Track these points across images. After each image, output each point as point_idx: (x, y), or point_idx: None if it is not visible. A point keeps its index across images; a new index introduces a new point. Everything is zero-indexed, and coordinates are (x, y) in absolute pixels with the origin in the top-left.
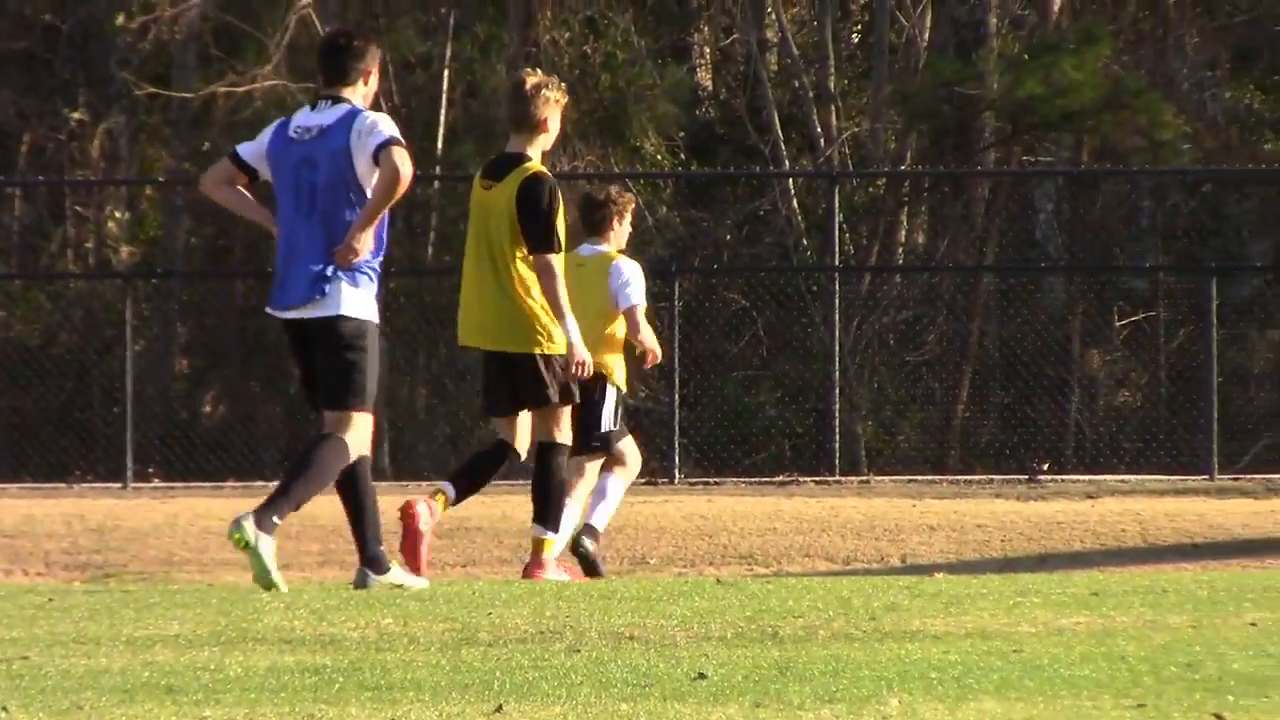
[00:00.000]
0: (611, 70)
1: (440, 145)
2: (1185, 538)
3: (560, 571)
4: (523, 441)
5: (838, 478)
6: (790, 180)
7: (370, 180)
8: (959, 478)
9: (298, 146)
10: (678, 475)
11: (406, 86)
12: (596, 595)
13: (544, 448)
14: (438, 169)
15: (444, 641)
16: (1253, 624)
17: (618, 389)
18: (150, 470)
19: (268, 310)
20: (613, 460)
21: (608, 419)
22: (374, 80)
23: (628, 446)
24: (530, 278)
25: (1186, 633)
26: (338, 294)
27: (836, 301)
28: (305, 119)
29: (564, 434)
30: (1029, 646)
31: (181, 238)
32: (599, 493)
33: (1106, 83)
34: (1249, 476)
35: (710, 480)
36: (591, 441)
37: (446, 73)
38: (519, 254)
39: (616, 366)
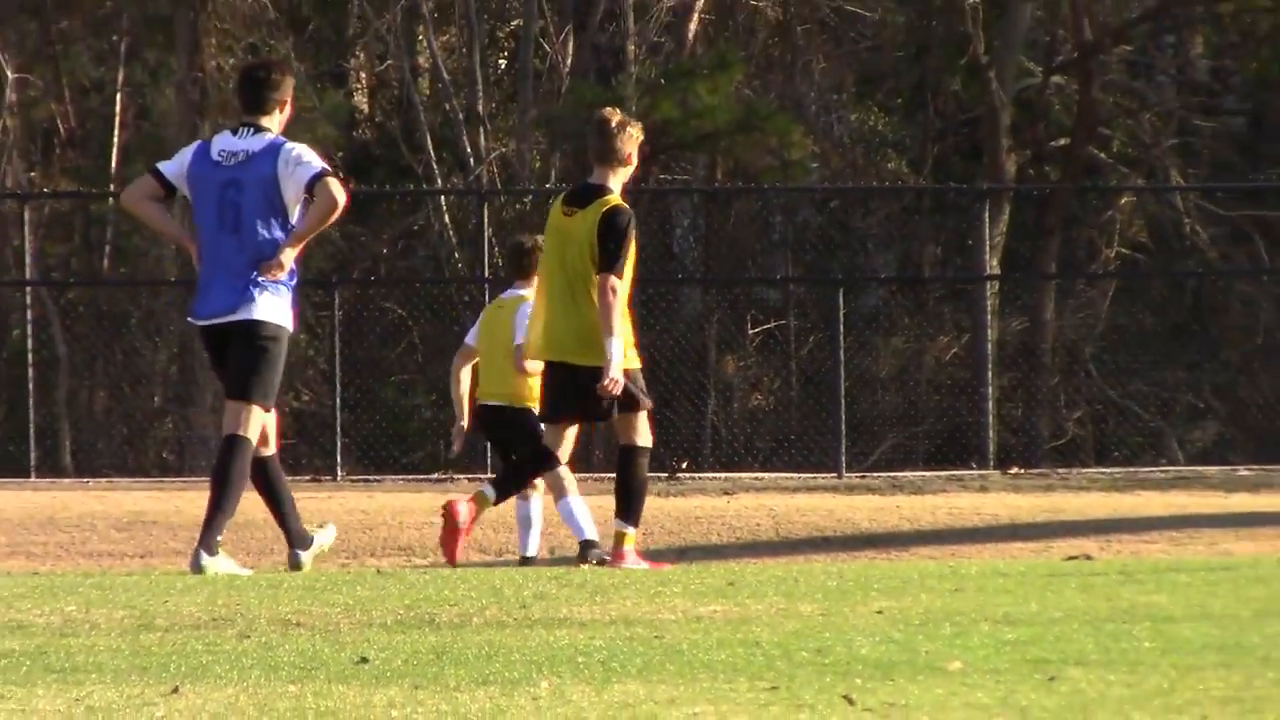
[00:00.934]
0: None
1: (114, 164)
2: (816, 531)
3: (639, 561)
4: (565, 451)
5: (489, 474)
6: (442, 198)
7: (295, 205)
8: (603, 475)
9: (223, 169)
10: (340, 473)
11: (82, 109)
12: (265, 585)
13: (626, 450)
14: (112, 186)
15: (124, 627)
16: (879, 611)
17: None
18: None
19: (190, 319)
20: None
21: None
22: (289, 108)
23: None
24: None
25: (817, 620)
26: (260, 301)
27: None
28: (228, 143)
29: (643, 437)
30: (670, 633)
31: None
32: (566, 516)
33: (739, 106)
34: (875, 475)
35: (371, 478)
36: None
37: (119, 96)
38: (594, 276)
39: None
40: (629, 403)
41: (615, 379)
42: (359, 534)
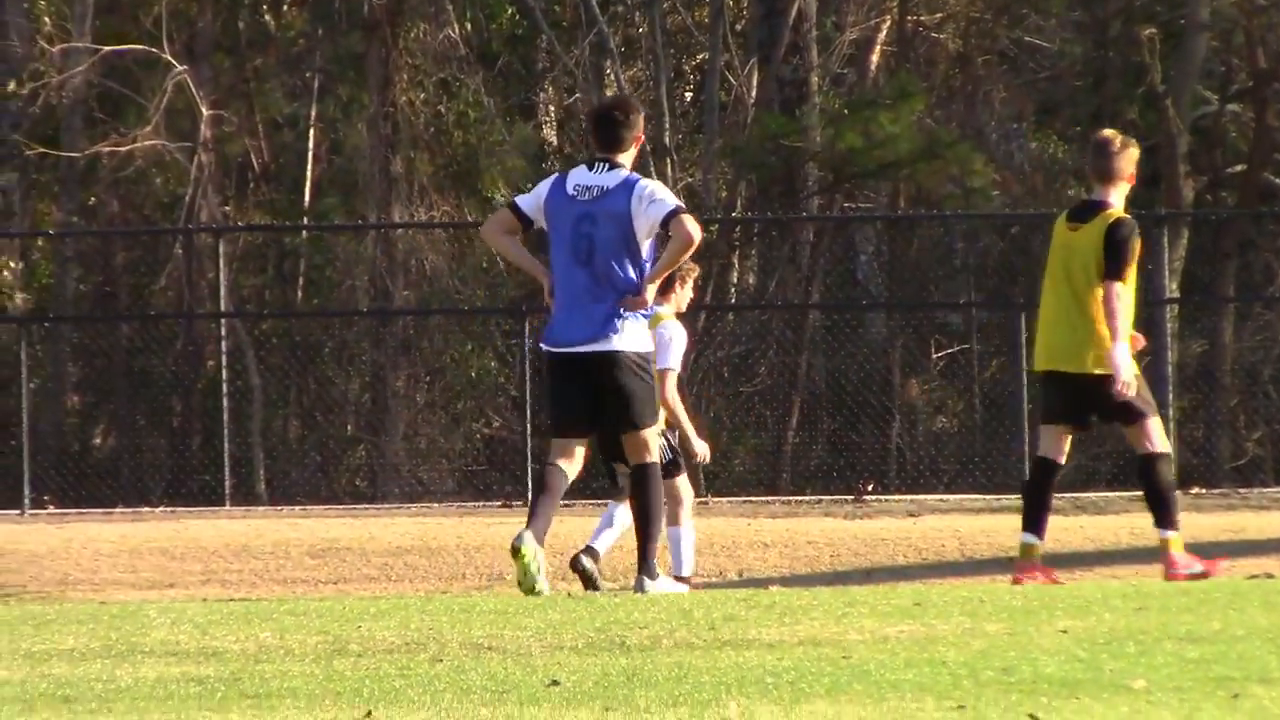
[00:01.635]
0: (464, 127)
1: (307, 198)
2: (1001, 552)
3: (1193, 562)
4: (1062, 452)
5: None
6: None
7: (646, 240)
8: (791, 498)
9: (578, 204)
10: (530, 498)
11: (275, 144)
12: (457, 609)
13: (1146, 459)
14: (304, 219)
15: (317, 653)
16: (1064, 631)
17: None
18: (46, 498)
19: (543, 346)
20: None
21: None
22: (639, 143)
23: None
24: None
25: (1002, 639)
26: (621, 332)
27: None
28: (584, 178)
29: (1159, 443)
30: (857, 653)
31: (71, 285)
32: (606, 520)
33: (921, 135)
34: (1058, 495)
35: (561, 503)
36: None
37: (312, 131)
38: (1099, 287)
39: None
40: (1135, 412)
41: (1127, 382)
42: (551, 558)
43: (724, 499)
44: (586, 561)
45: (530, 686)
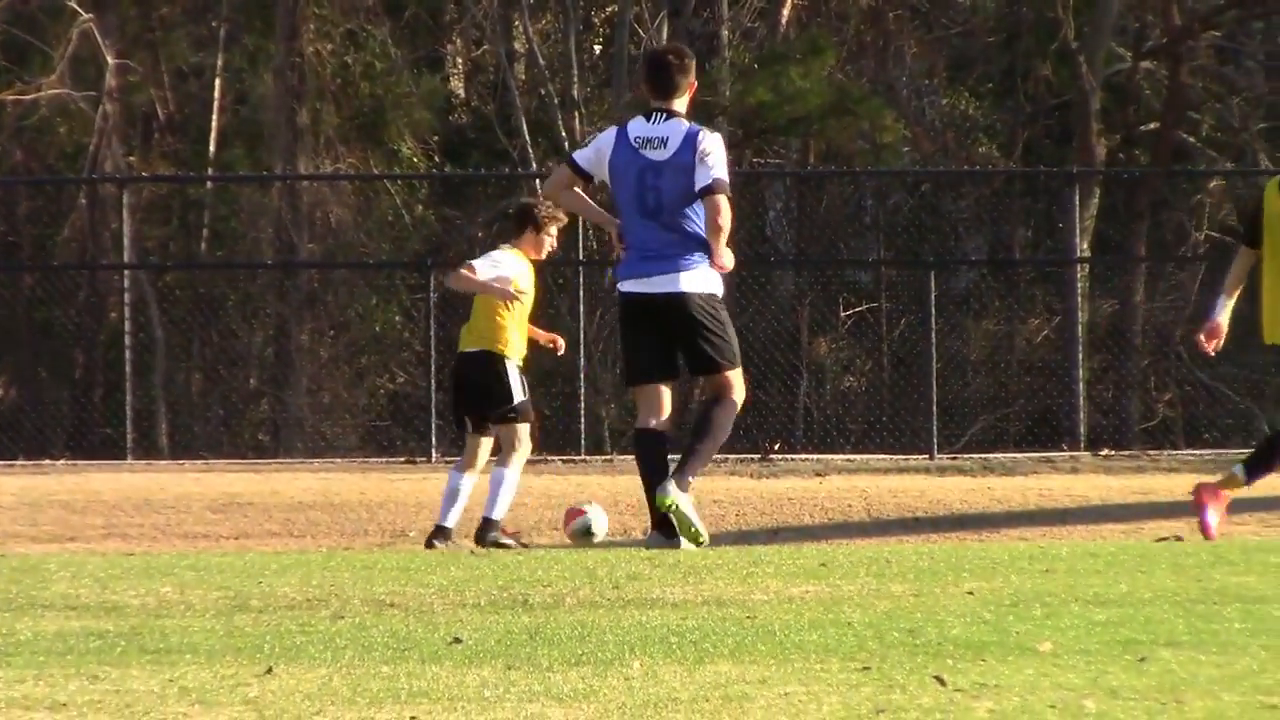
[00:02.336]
0: (371, 79)
1: (212, 148)
2: (908, 513)
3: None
4: None
5: (584, 456)
6: (537, 181)
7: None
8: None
9: (641, 155)
10: (434, 454)
11: (180, 94)
12: (359, 565)
13: None
14: (210, 170)
15: (218, 608)
16: (970, 592)
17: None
18: None
19: (618, 288)
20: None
21: (516, 391)
22: (694, 90)
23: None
24: None
25: (909, 601)
26: (688, 275)
27: (581, 294)
28: (643, 129)
29: None
30: (762, 613)
31: None
32: (495, 482)
33: (831, 90)
34: (966, 456)
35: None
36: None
37: (218, 81)
38: None
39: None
40: None
41: None
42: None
43: (629, 457)
44: (493, 534)
45: (432, 644)
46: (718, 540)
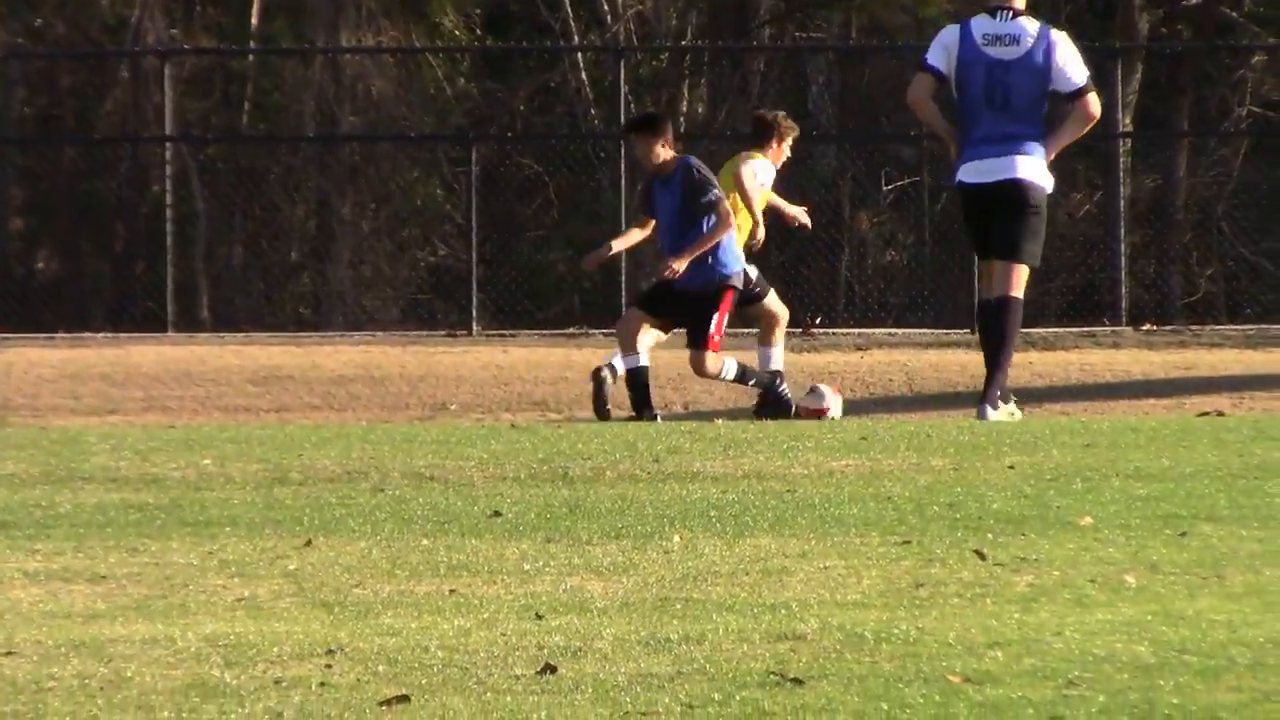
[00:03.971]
0: None
1: (254, 21)
2: (949, 387)
3: None
4: None
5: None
6: (579, 54)
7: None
8: (738, 331)
9: (988, 50)
10: (475, 328)
11: None
12: (399, 439)
13: None
14: (251, 43)
15: (258, 481)
16: (1011, 467)
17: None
18: None
19: (957, 179)
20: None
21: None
22: None
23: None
24: None
25: (949, 475)
26: (1024, 163)
27: (622, 167)
28: (990, 27)
29: None
30: (802, 487)
31: (16, 108)
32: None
33: None
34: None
35: (506, 332)
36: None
37: None
38: None
39: None
40: None
41: None
42: (494, 389)
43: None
44: (605, 373)
45: (472, 517)
46: (747, 415)
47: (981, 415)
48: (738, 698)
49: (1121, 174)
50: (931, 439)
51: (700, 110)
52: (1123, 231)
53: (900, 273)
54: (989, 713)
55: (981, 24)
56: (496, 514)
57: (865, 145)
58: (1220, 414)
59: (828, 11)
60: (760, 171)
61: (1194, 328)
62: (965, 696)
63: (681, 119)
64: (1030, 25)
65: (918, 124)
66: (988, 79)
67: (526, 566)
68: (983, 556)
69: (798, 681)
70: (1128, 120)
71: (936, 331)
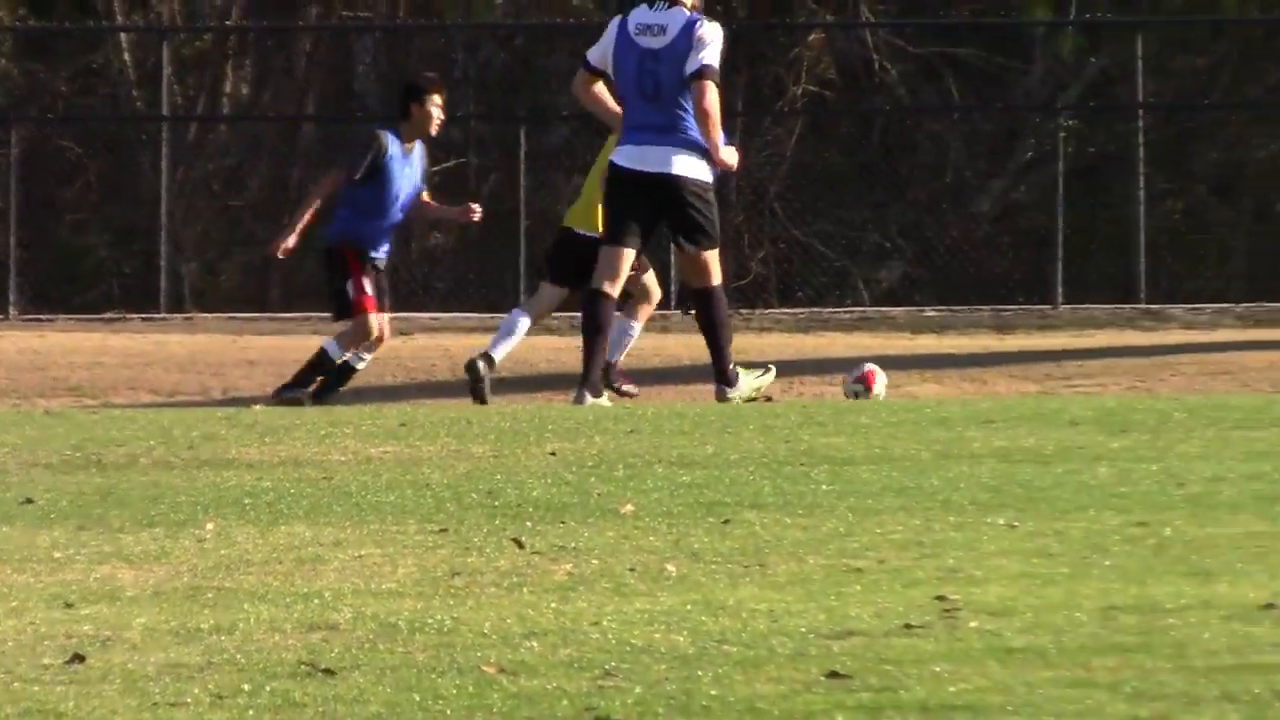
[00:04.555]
0: None
1: None
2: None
3: None
4: None
5: (163, 315)
6: (123, 35)
7: None
8: (279, 315)
9: (639, 39)
10: (11, 311)
11: None
12: None
13: None
14: None
15: None
16: (552, 453)
17: None
18: None
19: (612, 160)
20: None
21: None
22: None
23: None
24: None
25: (489, 462)
26: (680, 159)
27: (164, 150)
28: (645, 16)
29: None
30: (339, 474)
31: None
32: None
33: None
34: (555, 314)
35: (44, 316)
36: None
37: None
38: None
39: None
40: None
41: None
42: (29, 374)
43: (210, 315)
44: (481, 366)
45: (3, 504)
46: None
47: (722, 396)
48: (268, 688)
49: None
50: (472, 425)
51: (245, 91)
52: None
53: (445, 255)
54: (523, 704)
55: (639, 14)
56: (29, 501)
57: None
58: (769, 399)
59: None
60: None
61: (745, 311)
62: (500, 687)
63: (224, 100)
64: (681, 15)
65: (466, 104)
66: (639, 68)
67: (57, 554)
68: (521, 545)
69: (329, 672)
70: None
71: (481, 315)
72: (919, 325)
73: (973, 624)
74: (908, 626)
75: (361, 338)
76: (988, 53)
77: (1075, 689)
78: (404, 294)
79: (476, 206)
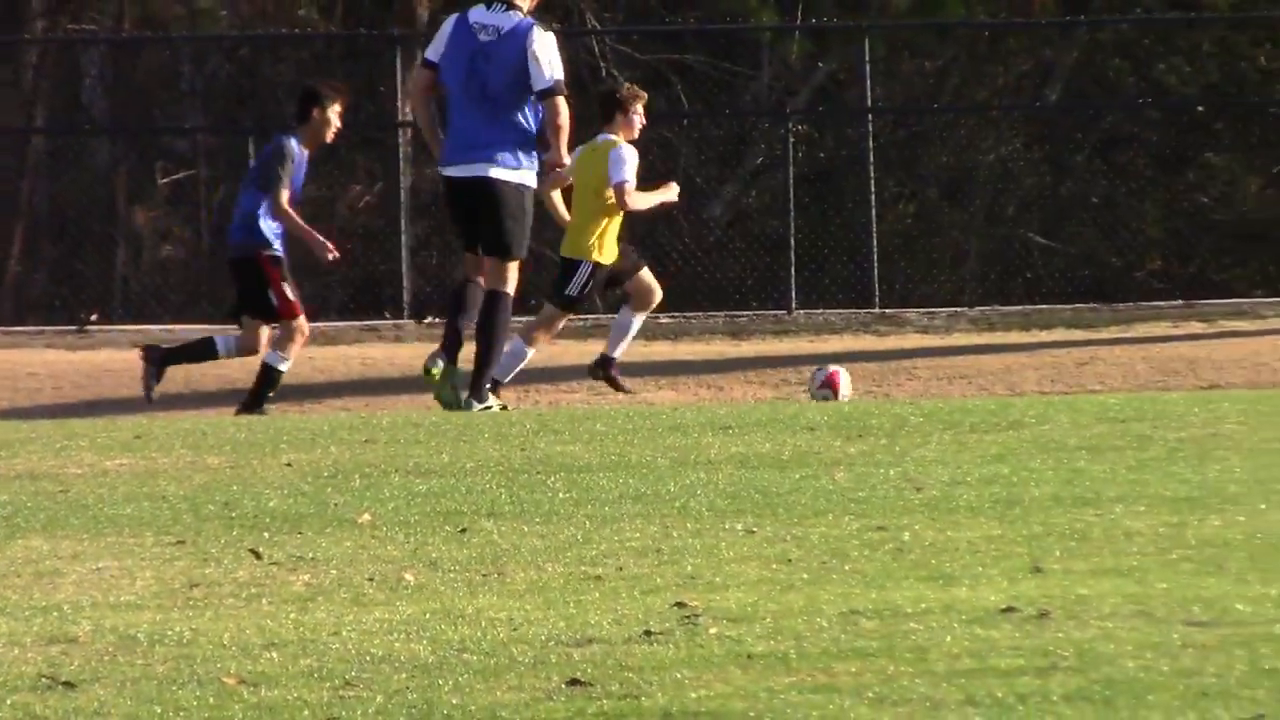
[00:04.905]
0: None
1: None
2: (227, 385)
3: None
4: None
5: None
6: None
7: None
8: (12, 328)
9: (474, 39)
10: None
11: None
12: None
13: None
14: None
15: None
16: (288, 464)
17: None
18: None
19: (442, 173)
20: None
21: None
22: None
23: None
24: None
25: (226, 473)
26: (498, 161)
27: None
28: (482, 16)
29: None
30: (76, 487)
31: None
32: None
33: None
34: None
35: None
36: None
37: None
38: None
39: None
40: None
41: None
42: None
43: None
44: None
45: None
46: (34, 413)
47: (468, 406)
48: (9, 702)
49: (402, 164)
50: (208, 436)
51: None
52: (405, 223)
53: (178, 267)
54: (264, 714)
55: (476, 13)
56: None
57: (139, 138)
58: (505, 408)
59: (102, 2)
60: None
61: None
62: (240, 698)
63: None
64: (514, 17)
65: (194, 116)
66: (470, 68)
67: None
68: (258, 556)
69: (70, 685)
70: (408, 110)
71: (214, 327)
72: (654, 332)
73: (713, 630)
74: (648, 633)
75: (297, 341)
76: (715, 59)
77: (818, 694)
78: (138, 305)
79: (335, 252)
